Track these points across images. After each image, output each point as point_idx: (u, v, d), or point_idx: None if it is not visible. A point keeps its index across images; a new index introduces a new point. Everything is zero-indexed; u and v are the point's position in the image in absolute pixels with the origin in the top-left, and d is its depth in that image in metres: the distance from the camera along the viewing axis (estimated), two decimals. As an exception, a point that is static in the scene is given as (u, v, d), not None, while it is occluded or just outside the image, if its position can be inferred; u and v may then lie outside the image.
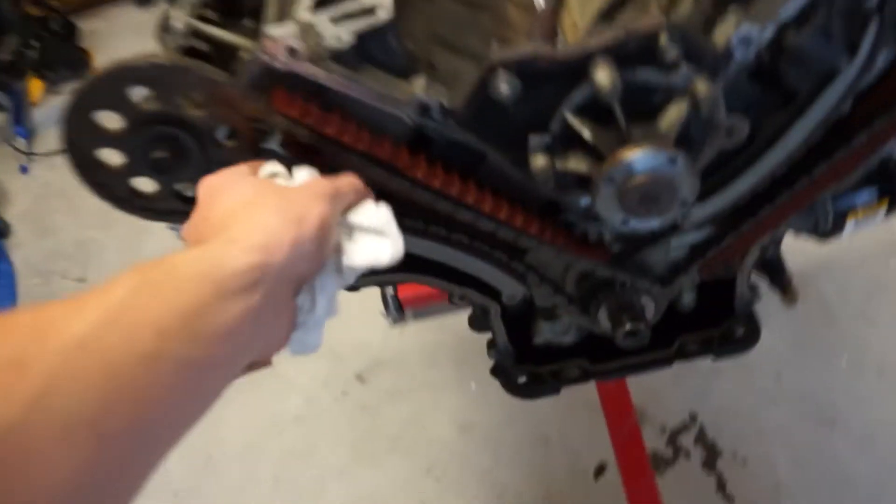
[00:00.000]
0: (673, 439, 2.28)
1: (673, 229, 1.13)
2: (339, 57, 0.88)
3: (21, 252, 3.06)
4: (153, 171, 0.93)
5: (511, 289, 1.23)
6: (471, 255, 1.13)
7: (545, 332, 1.37)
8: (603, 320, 1.25)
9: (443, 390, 2.46)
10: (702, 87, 0.89)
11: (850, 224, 1.29)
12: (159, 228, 1.02)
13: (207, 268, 0.64)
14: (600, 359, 1.44)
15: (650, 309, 1.26)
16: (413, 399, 2.46)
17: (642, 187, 0.91)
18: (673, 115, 0.91)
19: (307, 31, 0.86)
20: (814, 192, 1.12)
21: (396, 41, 0.92)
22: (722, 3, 0.90)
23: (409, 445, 2.37)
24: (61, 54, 3.65)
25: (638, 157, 0.89)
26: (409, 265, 1.14)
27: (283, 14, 0.91)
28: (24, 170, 3.41)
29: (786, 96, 1.01)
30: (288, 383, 2.53)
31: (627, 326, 1.21)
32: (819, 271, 2.56)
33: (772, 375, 2.36)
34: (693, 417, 2.31)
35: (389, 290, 1.94)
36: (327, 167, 0.89)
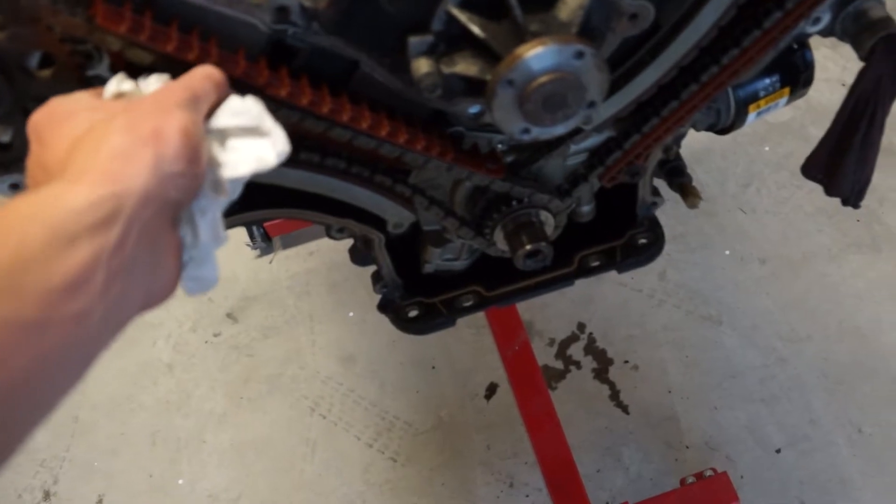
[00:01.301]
0: (563, 352, 2.25)
1: (573, 134, 1.01)
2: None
3: None
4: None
5: (397, 215, 1.10)
6: (349, 182, 1.00)
7: (435, 260, 1.26)
8: (500, 242, 1.14)
9: (320, 322, 2.40)
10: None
11: (752, 114, 1.21)
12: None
13: (37, 210, 0.54)
14: (496, 283, 1.35)
15: (549, 225, 1.15)
16: (289, 334, 2.38)
17: (546, 89, 0.79)
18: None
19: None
20: (723, 81, 1.02)
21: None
22: None
23: (290, 384, 2.29)
24: None
25: (539, 53, 0.77)
26: (279, 199, 1.01)
27: None
28: None
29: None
30: (153, 329, 2.42)
31: (528, 247, 1.11)
32: (695, 163, 2.54)
33: (656, 275, 2.35)
34: (581, 327, 2.28)
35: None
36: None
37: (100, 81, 0.77)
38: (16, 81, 0.76)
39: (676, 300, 2.31)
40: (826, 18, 1.05)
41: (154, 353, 2.37)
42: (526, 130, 0.84)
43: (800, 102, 1.26)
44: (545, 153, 1.05)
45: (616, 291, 2.32)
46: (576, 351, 2.24)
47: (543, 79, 0.78)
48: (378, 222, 1.14)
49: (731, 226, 2.44)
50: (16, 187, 0.89)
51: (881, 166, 2.50)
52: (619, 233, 1.35)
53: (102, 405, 2.27)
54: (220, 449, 2.19)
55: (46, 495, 2.14)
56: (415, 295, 1.33)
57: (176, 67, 0.75)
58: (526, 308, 2.24)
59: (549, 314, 2.30)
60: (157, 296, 0.63)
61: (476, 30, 0.80)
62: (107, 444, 2.22)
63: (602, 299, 2.31)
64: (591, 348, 2.24)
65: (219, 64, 0.76)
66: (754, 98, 1.19)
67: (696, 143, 2.50)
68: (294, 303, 2.44)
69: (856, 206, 1.31)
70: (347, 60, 0.85)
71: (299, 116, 0.84)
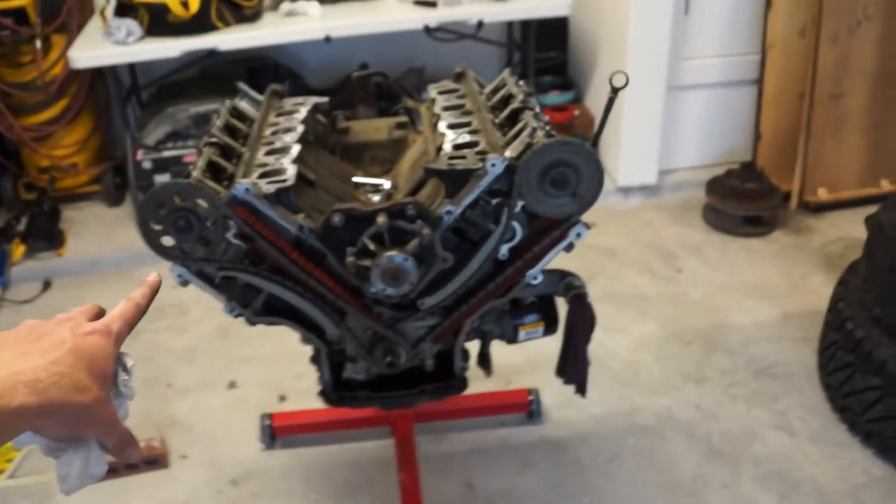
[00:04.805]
0: None
1: (414, 310, 2.14)
2: (267, 197, 1.92)
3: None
4: (173, 233, 1.91)
5: (331, 330, 2.17)
6: (312, 305, 2.12)
7: (349, 371, 2.22)
8: (378, 357, 2.23)
9: (291, 497, 3.09)
10: (427, 233, 1.93)
11: (521, 334, 2.26)
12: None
13: None
14: (376, 390, 2.30)
15: (404, 356, 2.21)
16: (271, 501, 3.08)
17: (391, 270, 1.96)
18: (413, 244, 1.92)
19: (255, 184, 1.90)
20: (485, 301, 2.08)
21: (293, 194, 1.97)
22: (439, 192, 1.95)
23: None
24: (44, 230, 4.65)
25: (391, 255, 1.93)
26: (280, 311, 2.14)
27: (247, 171, 1.96)
28: (-6, 311, 4.19)
29: (469, 243, 2.01)
30: (177, 480, 3.15)
31: (388, 359, 2.16)
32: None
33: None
34: None
35: (266, 420, 2.93)
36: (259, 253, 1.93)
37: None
38: (202, 227, 1.82)
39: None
40: (541, 278, 2.11)
41: (175, 495, 3.08)
42: (383, 288, 1.96)
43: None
44: (404, 318, 2.17)
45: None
46: None
47: (391, 266, 1.91)
48: (321, 334, 2.14)
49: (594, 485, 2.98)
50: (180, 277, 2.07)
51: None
52: (446, 377, 2.26)
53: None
54: None
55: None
56: (337, 389, 2.29)
57: (260, 240, 1.98)
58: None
59: None
60: None
61: (370, 246, 2.03)
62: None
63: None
64: None
65: (277, 242, 1.95)
66: (522, 323, 2.25)
67: (582, 419, 3.23)
68: (279, 481, 3.11)
69: (582, 394, 2.29)
70: (322, 252, 1.98)
71: (297, 271, 2.02)
